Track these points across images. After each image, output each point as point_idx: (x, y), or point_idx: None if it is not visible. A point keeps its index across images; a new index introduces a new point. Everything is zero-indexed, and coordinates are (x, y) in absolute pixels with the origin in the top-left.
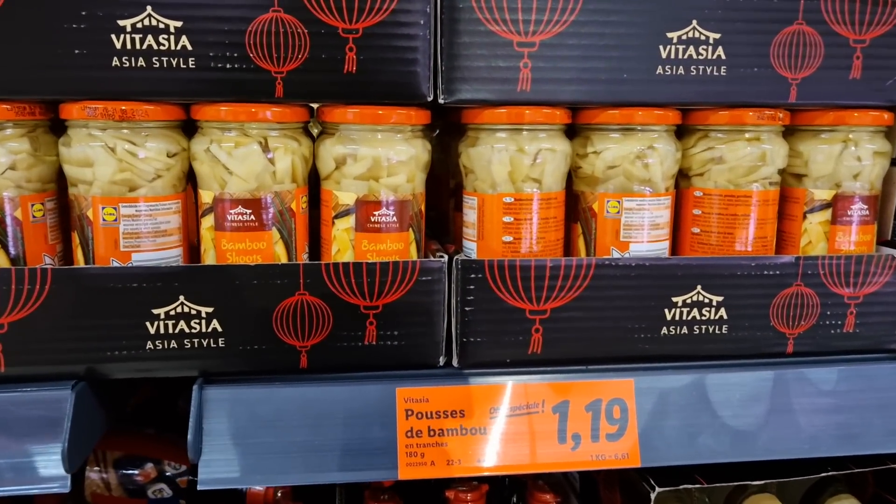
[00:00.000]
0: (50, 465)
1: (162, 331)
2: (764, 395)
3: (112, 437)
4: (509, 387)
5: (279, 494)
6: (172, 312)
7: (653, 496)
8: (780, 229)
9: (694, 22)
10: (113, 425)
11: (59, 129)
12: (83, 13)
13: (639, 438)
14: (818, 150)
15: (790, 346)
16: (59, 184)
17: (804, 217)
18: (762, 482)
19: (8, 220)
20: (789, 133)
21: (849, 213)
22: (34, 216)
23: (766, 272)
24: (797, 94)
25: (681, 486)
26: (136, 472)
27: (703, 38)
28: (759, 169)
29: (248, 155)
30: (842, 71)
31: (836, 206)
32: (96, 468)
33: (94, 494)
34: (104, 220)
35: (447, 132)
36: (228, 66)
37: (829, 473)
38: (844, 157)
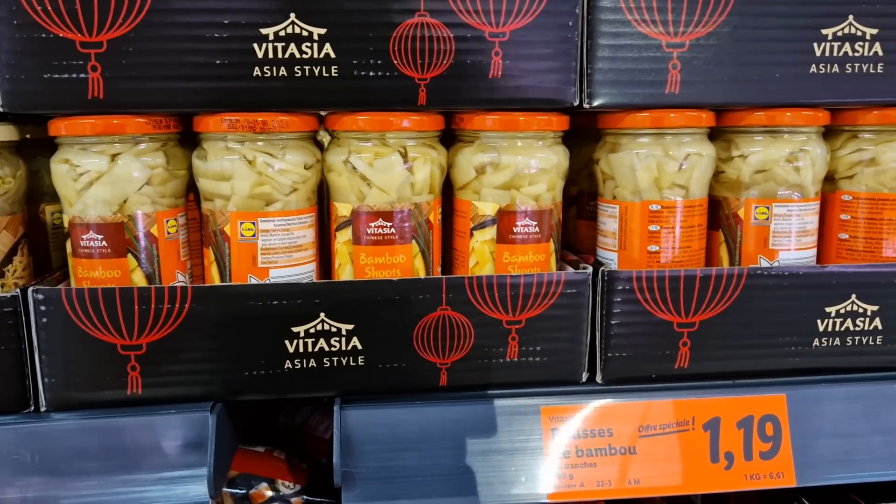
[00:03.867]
0: (191, 490)
1: (301, 349)
2: None
3: None
4: (658, 403)
5: None
6: (312, 330)
7: None
8: None
9: (850, 17)
10: None
11: (186, 141)
12: (225, 21)
13: (793, 456)
14: None
15: None
16: (186, 198)
17: None
18: None
19: (141, 237)
20: None
21: None
22: (169, 232)
23: None
24: None
25: None
26: (250, 491)
27: (859, 33)
28: None
29: (389, 165)
30: None
31: None
32: None
33: None
34: (242, 235)
35: (567, 137)
36: (371, 73)
37: None
38: None
